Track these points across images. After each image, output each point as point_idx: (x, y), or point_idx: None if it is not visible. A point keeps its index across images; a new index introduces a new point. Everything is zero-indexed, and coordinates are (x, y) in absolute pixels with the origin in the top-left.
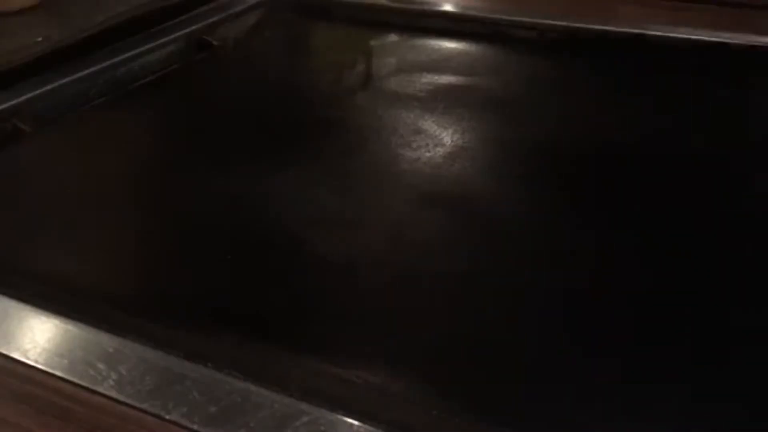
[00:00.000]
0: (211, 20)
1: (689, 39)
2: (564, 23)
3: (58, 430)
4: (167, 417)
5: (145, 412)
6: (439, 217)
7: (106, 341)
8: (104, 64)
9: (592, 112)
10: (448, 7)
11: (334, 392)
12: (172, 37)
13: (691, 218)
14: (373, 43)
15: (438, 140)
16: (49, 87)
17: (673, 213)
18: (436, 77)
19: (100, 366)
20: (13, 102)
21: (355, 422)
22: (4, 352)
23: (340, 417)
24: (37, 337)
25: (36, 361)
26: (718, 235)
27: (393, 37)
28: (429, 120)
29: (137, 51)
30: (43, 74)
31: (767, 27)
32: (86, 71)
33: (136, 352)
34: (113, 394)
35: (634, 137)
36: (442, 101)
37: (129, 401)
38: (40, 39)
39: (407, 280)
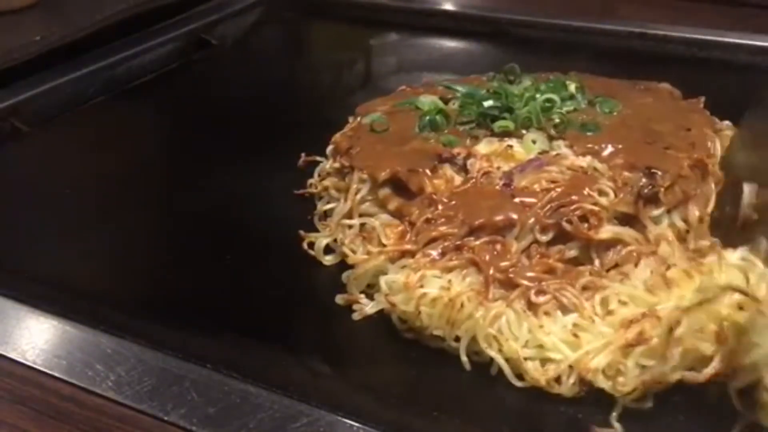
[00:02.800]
0: (209, 19)
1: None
2: (564, 22)
3: (55, 431)
4: (166, 418)
5: (143, 413)
6: None
7: (105, 342)
8: (103, 63)
9: None
10: (448, 6)
11: (334, 393)
12: (170, 35)
13: None
14: (372, 41)
15: None
16: (47, 86)
17: None
18: (436, 76)
19: (99, 367)
20: (11, 101)
21: (355, 423)
22: (2, 352)
23: (339, 418)
24: (35, 337)
25: (34, 362)
26: None
27: (393, 36)
28: None
29: (136, 50)
30: (42, 73)
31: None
32: (85, 70)
33: (134, 353)
34: (112, 395)
35: None
36: None
37: (127, 402)
38: (38, 38)
39: None
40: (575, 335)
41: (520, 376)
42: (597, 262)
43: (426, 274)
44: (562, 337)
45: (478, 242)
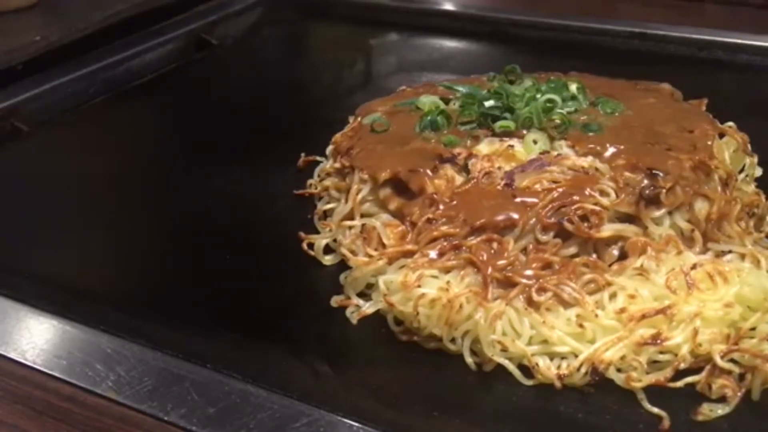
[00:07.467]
0: (210, 19)
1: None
2: (564, 21)
3: (55, 431)
4: (166, 418)
5: (143, 413)
6: None
7: (105, 342)
8: (103, 63)
9: None
10: (448, 6)
11: (334, 393)
12: (170, 35)
13: None
14: (373, 41)
15: None
16: (47, 86)
17: None
18: (436, 76)
19: (99, 367)
20: (12, 101)
21: (355, 423)
22: (2, 352)
23: (339, 418)
24: (35, 337)
25: (34, 362)
26: None
27: (393, 36)
28: None
29: (136, 50)
30: (42, 73)
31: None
32: (84, 70)
33: (134, 353)
34: (112, 395)
35: None
36: None
37: (128, 402)
38: (38, 38)
39: None
40: (580, 325)
41: (528, 374)
42: (594, 256)
43: (424, 274)
44: (567, 330)
45: (475, 240)
